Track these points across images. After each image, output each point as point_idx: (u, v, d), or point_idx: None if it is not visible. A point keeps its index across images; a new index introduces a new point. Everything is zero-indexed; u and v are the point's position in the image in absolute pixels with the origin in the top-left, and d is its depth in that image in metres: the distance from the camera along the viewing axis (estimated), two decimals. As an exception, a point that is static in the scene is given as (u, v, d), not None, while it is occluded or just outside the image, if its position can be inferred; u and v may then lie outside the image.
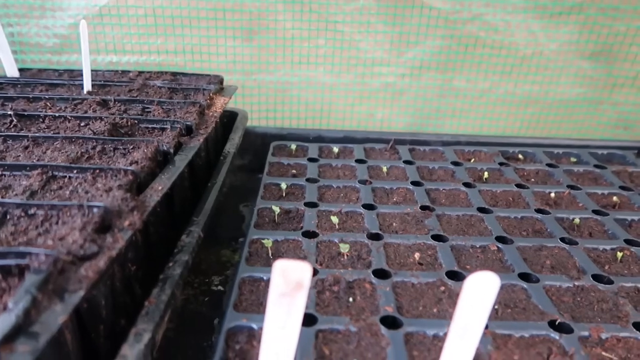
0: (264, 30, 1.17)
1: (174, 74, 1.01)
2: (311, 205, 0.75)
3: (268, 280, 0.58)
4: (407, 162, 0.92)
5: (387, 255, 0.64)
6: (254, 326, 0.50)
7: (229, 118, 1.04)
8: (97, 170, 0.58)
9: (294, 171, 0.88)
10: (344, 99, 1.22)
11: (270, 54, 1.19)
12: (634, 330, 0.52)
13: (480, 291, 0.39)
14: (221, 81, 0.99)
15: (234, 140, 0.91)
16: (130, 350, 0.41)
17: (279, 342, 0.41)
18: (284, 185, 0.80)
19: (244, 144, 1.08)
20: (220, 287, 0.73)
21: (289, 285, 0.39)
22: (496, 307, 0.55)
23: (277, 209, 0.72)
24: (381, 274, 0.60)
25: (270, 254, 0.63)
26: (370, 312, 0.53)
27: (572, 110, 1.20)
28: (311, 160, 0.92)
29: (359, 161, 0.92)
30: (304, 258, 0.62)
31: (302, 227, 0.69)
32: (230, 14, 1.15)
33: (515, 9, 1.10)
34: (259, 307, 0.54)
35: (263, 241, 0.64)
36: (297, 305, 0.39)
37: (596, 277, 0.61)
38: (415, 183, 0.84)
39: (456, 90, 1.20)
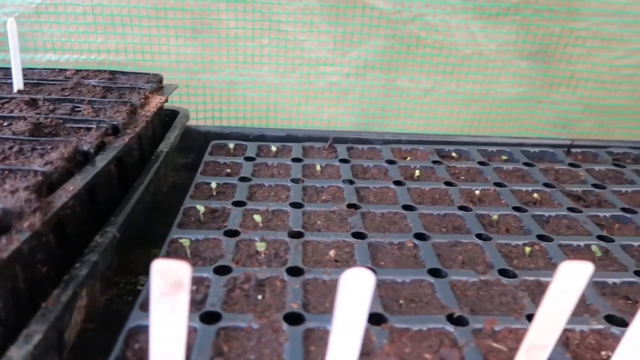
0: (207, 30, 1.17)
1: (113, 72, 1.00)
2: (238, 204, 0.76)
3: (181, 280, 0.59)
4: (343, 160, 0.94)
5: (304, 253, 0.65)
6: (158, 325, 0.51)
7: (171, 117, 1.04)
8: (7, 171, 0.58)
9: (228, 170, 0.88)
10: (290, 98, 1.23)
11: (214, 53, 1.19)
12: (527, 322, 0.54)
13: (355, 287, 0.41)
14: (160, 80, 0.99)
15: (169, 139, 0.91)
16: (17, 352, 0.42)
17: (166, 341, 0.42)
18: (213, 185, 0.80)
19: (187, 143, 1.08)
20: (146, 287, 0.73)
21: (168, 284, 0.40)
22: (401, 302, 0.57)
23: (202, 208, 0.72)
24: (295, 271, 0.61)
25: (188, 254, 0.64)
26: (276, 309, 0.54)
27: (512, 109, 1.24)
28: (248, 159, 0.93)
29: (295, 160, 0.93)
30: (221, 257, 0.63)
31: (226, 226, 0.70)
32: (172, 12, 1.15)
33: (454, 10, 1.12)
34: (168, 306, 0.55)
35: (180, 240, 0.65)
36: (180, 304, 0.40)
37: (502, 272, 0.63)
38: (346, 181, 0.86)
39: (400, 89, 1.22)
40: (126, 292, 0.72)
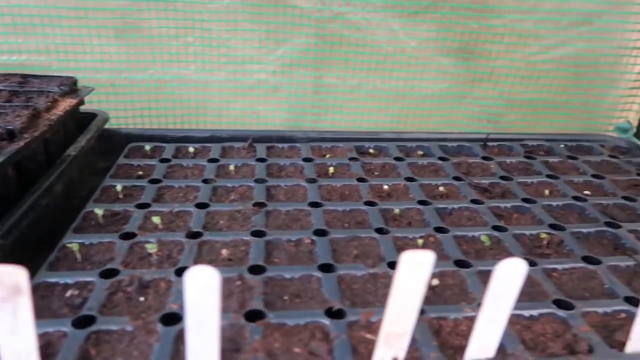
0: (130, 29, 1.16)
1: (24, 76, 0.98)
2: (142, 206, 0.76)
3: (65, 285, 0.58)
4: (260, 159, 0.94)
5: (198, 253, 0.65)
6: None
7: (90, 120, 1.02)
8: None
9: (140, 172, 0.88)
10: (219, 96, 1.23)
11: (139, 52, 1.18)
12: (402, 312, 0.56)
13: (201, 284, 0.41)
14: (74, 83, 0.98)
15: (80, 143, 0.90)
16: None
17: (15, 348, 0.42)
18: (119, 187, 0.80)
19: (109, 146, 1.07)
20: (45, 293, 0.72)
21: (6, 290, 0.39)
22: (285, 298, 0.58)
23: (100, 212, 0.72)
24: (184, 272, 0.61)
25: (78, 258, 0.63)
26: (155, 310, 0.54)
27: (437, 104, 1.27)
28: (163, 160, 0.92)
29: (211, 160, 0.93)
30: (111, 260, 0.63)
31: (124, 229, 0.70)
32: (92, 12, 1.13)
33: (375, 8, 1.14)
34: (46, 312, 0.54)
35: (69, 245, 0.64)
36: (23, 309, 0.40)
37: (392, 265, 0.65)
38: (258, 180, 0.86)
39: (327, 86, 1.24)
40: (24, 299, 0.71)
